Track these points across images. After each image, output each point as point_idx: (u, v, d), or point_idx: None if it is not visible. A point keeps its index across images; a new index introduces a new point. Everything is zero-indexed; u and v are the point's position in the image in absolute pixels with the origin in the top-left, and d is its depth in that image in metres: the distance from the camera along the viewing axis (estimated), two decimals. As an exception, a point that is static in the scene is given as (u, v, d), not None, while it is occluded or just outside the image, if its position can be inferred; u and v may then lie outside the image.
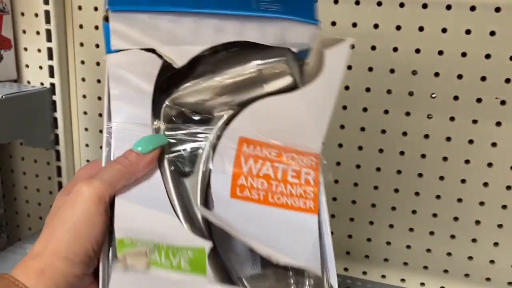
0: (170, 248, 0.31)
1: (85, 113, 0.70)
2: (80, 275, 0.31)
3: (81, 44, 0.67)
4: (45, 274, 0.30)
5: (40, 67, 0.70)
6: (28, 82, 0.71)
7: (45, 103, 0.68)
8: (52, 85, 0.68)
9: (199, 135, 0.35)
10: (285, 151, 0.35)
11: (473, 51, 0.53)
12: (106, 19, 0.33)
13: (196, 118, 0.36)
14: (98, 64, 0.67)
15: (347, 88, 0.57)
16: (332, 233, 0.34)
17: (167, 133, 0.35)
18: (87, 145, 0.72)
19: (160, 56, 0.34)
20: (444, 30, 0.53)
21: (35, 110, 0.67)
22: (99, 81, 0.68)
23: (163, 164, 0.34)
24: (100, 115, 0.69)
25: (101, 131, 0.70)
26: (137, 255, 0.31)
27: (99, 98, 0.69)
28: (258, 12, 0.34)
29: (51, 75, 0.68)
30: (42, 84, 0.70)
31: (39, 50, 0.69)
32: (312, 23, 0.35)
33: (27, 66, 0.71)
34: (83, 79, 0.69)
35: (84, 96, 0.69)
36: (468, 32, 0.52)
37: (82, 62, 0.68)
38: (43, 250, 0.30)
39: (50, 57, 0.67)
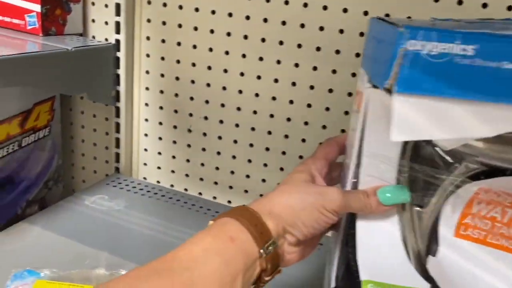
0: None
1: (147, 72, 0.70)
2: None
3: (149, 2, 0.67)
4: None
5: (106, 23, 0.70)
6: (93, 37, 0.72)
7: (109, 59, 0.68)
8: (117, 41, 0.68)
9: (440, 180, 0.35)
10: None
11: None
12: (388, 91, 0.30)
13: (444, 160, 0.35)
14: (164, 23, 0.67)
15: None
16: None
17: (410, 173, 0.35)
18: (146, 104, 0.72)
19: None
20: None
21: (99, 65, 0.67)
22: (163, 40, 0.68)
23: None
24: (162, 75, 0.69)
25: (161, 92, 0.70)
26: None
27: (162, 58, 0.68)
28: None
29: (117, 31, 0.68)
30: (106, 40, 0.71)
31: (106, 6, 0.69)
32: None
33: (93, 21, 0.71)
34: (148, 38, 0.68)
35: (148, 55, 0.69)
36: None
37: (148, 21, 0.68)
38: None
39: (117, 13, 0.67)
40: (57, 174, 0.77)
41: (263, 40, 0.62)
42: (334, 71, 0.59)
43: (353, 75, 0.58)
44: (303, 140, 0.64)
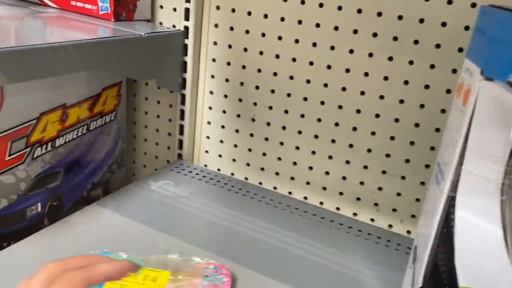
0: None
1: (213, 60, 0.70)
2: None
3: (218, -11, 0.66)
4: None
5: (174, 9, 0.70)
6: (160, 23, 0.72)
7: (178, 46, 0.68)
8: (186, 28, 0.68)
9: None
10: None
11: None
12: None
13: None
14: (233, 10, 0.66)
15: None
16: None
17: None
18: (211, 92, 0.72)
19: None
20: None
21: (168, 52, 0.67)
22: (232, 28, 0.67)
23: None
24: (229, 63, 0.69)
25: (227, 80, 0.70)
26: None
27: (230, 46, 0.68)
28: None
29: (186, 18, 0.68)
30: (174, 26, 0.71)
31: (175, -8, 0.69)
32: None
33: (161, 7, 0.71)
34: (216, 25, 0.68)
35: (215, 43, 0.69)
36: None
37: (217, 8, 0.67)
38: None
39: (187, -1, 0.67)
40: (121, 158, 0.78)
41: (336, 28, 0.60)
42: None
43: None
44: (373, 133, 0.62)
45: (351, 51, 0.60)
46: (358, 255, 0.55)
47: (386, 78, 0.59)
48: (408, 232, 0.64)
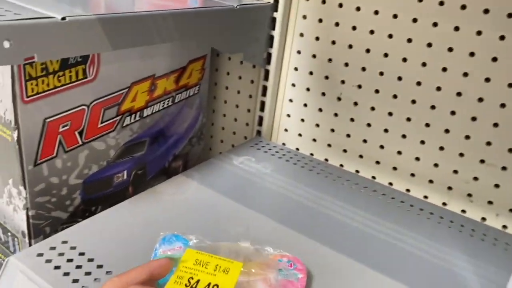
0: None
1: (301, 34, 0.68)
2: None
3: (312, -40, 0.64)
4: None
5: (263, -18, 0.68)
6: (248, -4, 0.71)
7: (266, 19, 0.67)
8: (276, 1, 0.66)
9: None
10: None
11: None
12: None
13: None
14: (326, -17, 0.63)
15: None
16: None
17: None
18: (295, 69, 0.70)
19: None
20: None
21: (256, 25, 0.66)
22: (324, 1, 0.64)
23: None
24: (317, 38, 0.66)
25: (314, 56, 0.67)
26: None
27: (320, 20, 0.65)
28: None
29: (276, -10, 0.66)
30: (262, -1, 0.69)
31: (265, -37, 0.67)
32: None
33: (249, -21, 0.70)
34: (307, -2, 0.65)
35: (304, 17, 0.66)
36: None
37: (310, -20, 0.64)
38: None
39: (279, -29, 0.65)
40: (200, 132, 0.78)
41: (441, 3, 0.55)
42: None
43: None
44: (473, 119, 0.57)
45: (456, 29, 0.55)
46: (452, 247, 0.52)
47: (494, 59, 0.54)
48: (504, 226, 0.59)
